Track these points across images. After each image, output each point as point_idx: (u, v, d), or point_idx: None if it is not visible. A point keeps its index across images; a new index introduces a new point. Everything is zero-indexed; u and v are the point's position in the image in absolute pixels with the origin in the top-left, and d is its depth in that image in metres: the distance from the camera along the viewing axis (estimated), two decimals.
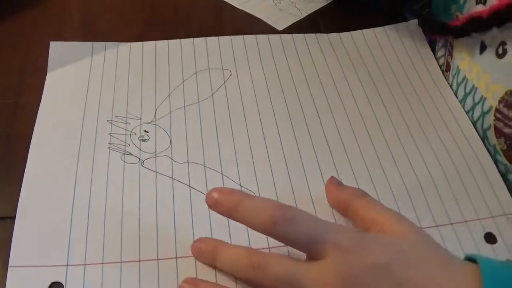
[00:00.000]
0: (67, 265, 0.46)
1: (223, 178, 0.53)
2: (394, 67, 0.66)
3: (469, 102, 0.59)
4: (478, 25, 0.55)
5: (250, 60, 0.65)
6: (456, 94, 0.62)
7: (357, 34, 0.70)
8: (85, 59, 0.64)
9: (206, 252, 0.46)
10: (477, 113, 0.58)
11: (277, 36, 0.69)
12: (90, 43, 0.66)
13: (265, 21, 0.71)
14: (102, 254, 0.47)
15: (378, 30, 0.70)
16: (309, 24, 0.71)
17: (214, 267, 0.46)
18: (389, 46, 0.68)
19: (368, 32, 0.70)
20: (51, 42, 0.65)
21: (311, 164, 0.55)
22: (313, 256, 0.42)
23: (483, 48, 0.56)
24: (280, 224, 0.42)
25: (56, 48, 0.65)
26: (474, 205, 0.52)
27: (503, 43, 0.53)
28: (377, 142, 0.57)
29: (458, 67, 0.61)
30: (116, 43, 0.66)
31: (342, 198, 0.49)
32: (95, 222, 0.49)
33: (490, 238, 0.50)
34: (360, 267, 0.41)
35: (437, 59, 0.66)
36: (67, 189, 0.52)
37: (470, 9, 0.56)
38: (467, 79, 0.59)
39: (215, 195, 0.45)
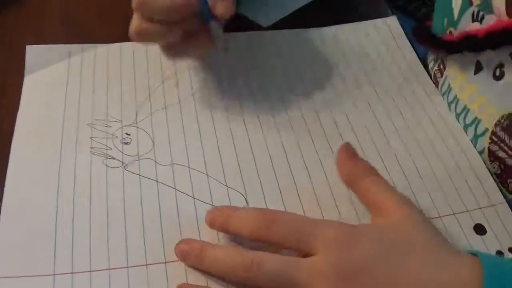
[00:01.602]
0: (54, 275, 0.45)
1: (208, 179, 0.53)
2: (375, 61, 0.65)
3: (460, 123, 0.58)
4: (473, 45, 0.53)
5: (232, 57, 0.64)
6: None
7: (337, 28, 0.69)
8: (62, 62, 0.63)
9: (192, 254, 0.45)
10: (469, 135, 0.56)
11: (259, 33, 0.68)
12: (67, 45, 0.64)
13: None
14: (90, 262, 0.46)
15: (357, 25, 0.70)
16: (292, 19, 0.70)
17: (200, 269, 0.45)
18: (368, 41, 0.68)
19: (348, 27, 0.69)
20: (27, 46, 0.64)
21: (297, 162, 0.54)
22: (304, 253, 0.43)
23: (478, 68, 0.54)
24: (266, 228, 0.44)
25: (33, 52, 0.63)
26: (462, 198, 0.52)
27: (500, 65, 0.51)
28: (361, 137, 0.57)
29: (449, 85, 0.60)
30: (94, 44, 0.64)
31: (353, 172, 0.49)
32: (80, 229, 0.48)
33: (479, 229, 0.50)
34: (352, 257, 0.41)
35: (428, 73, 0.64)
36: (50, 196, 0.50)
37: (465, 26, 0.55)
38: (458, 99, 0.57)
39: (210, 215, 0.47)
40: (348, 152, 0.51)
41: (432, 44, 0.61)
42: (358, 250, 0.42)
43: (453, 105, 0.58)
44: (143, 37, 0.53)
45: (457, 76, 0.58)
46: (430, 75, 0.64)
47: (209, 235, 0.48)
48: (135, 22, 0.52)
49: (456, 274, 0.41)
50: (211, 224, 0.47)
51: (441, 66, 0.61)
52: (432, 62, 0.64)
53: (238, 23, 0.66)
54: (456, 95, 0.58)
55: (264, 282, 0.42)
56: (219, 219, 0.46)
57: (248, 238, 0.45)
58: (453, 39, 0.56)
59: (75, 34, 0.67)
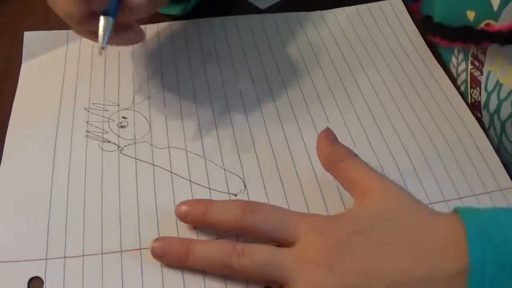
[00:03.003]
0: (46, 259, 0.45)
1: (206, 162, 0.51)
2: (380, 44, 0.64)
3: None
4: None
5: (230, 41, 0.64)
6: (499, 111, 0.55)
7: (339, 11, 0.68)
8: (60, 48, 0.62)
9: (175, 252, 0.44)
10: None
11: (257, 16, 0.67)
12: (65, 31, 0.64)
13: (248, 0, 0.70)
14: (82, 246, 0.45)
15: (361, 7, 0.68)
16: (292, 2, 0.69)
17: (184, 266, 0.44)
18: (373, 24, 0.66)
19: (351, 9, 0.68)
20: (25, 32, 0.63)
21: (298, 146, 0.53)
22: (287, 244, 0.43)
23: None
24: (251, 212, 0.44)
25: (31, 38, 0.63)
26: (469, 182, 0.51)
27: None
28: (366, 121, 0.55)
29: (498, 81, 0.55)
30: None
31: (332, 155, 0.49)
32: (74, 213, 0.47)
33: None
34: (338, 238, 0.42)
35: (455, 75, 0.61)
36: (44, 180, 0.50)
37: (511, 15, 0.51)
38: None
39: (183, 207, 0.46)
40: (328, 137, 0.50)
41: (462, 37, 0.57)
42: (340, 228, 0.42)
43: (508, 102, 0.54)
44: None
45: (508, 71, 0.54)
46: (452, 74, 0.61)
47: None
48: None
49: (441, 229, 0.41)
50: (185, 217, 0.46)
51: (476, 63, 0.57)
52: (463, 63, 0.60)
53: (235, 6, 0.66)
54: (510, 90, 0.54)
55: (255, 270, 0.42)
56: (196, 211, 0.46)
57: (231, 228, 0.45)
58: (504, 29, 0.52)
59: None
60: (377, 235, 0.41)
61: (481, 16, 0.54)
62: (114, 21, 0.50)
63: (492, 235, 0.38)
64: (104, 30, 0.49)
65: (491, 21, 0.53)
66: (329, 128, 0.51)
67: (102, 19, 0.49)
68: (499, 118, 0.55)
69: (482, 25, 0.54)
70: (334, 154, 0.49)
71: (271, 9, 0.68)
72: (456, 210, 0.42)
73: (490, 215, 0.40)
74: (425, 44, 0.64)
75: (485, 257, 0.37)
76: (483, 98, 0.56)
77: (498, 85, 0.54)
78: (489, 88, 0.56)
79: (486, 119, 0.56)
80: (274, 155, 0.52)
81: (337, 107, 0.57)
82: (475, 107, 0.58)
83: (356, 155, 0.49)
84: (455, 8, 0.58)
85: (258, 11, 0.68)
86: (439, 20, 0.60)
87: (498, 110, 0.55)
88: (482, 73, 0.56)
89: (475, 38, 0.55)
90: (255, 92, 0.58)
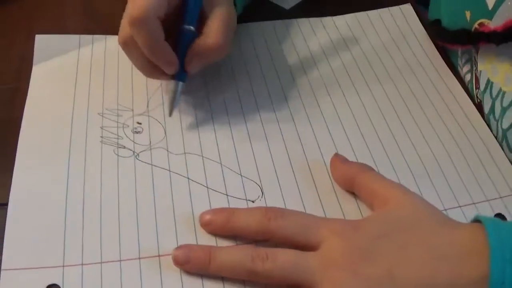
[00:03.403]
0: (63, 266, 0.45)
1: (222, 168, 0.51)
2: (391, 49, 0.64)
3: (509, 116, 0.53)
4: None
5: (243, 46, 0.64)
6: (493, 111, 0.55)
7: (350, 17, 0.68)
8: (72, 51, 0.62)
9: (198, 259, 0.44)
10: None
11: (271, 22, 0.67)
12: (77, 36, 0.64)
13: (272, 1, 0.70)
14: (100, 253, 0.45)
15: (372, 13, 0.69)
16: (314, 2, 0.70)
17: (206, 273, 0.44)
18: (384, 29, 0.67)
19: (361, 15, 0.68)
20: (36, 35, 0.63)
21: (314, 152, 0.53)
22: (310, 248, 0.43)
23: None
24: (275, 218, 0.44)
25: (42, 42, 0.63)
26: (482, 187, 0.51)
27: None
28: (379, 127, 0.56)
29: (489, 80, 0.56)
30: (104, 36, 0.63)
31: (348, 172, 0.50)
32: (91, 220, 0.47)
33: (500, 219, 0.48)
34: (361, 242, 0.42)
35: (462, 77, 0.61)
36: (60, 187, 0.50)
37: (505, 14, 0.52)
38: (504, 92, 0.54)
39: (208, 216, 0.47)
40: (339, 158, 0.51)
41: (464, 41, 0.58)
42: (363, 232, 0.43)
43: (498, 101, 0.55)
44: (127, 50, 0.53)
45: (498, 69, 0.55)
46: (464, 79, 0.61)
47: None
48: (124, 31, 0.52)
49: (462, 237, 0.42)
50: (210, 225, 0.47)
51: (474, 64, 0.58)
52: (468, 64, 0.60)
53: (260, 6, 0.66)
54: (500, 89, 0.54)
55: (279, 274, 0.42)
56: (220, 219, 0.46)
57: (254, 233, 0.45)
58: (499, 29, 0.52)
59: (95, 21, 0.66)
60: (399, 239, 0.42)
61: (476, 15, 0.55)
62: (184, 85, 0.53)
63: None
64: (172, 97, 0.53)
65: (484, 20, 0.54)
66: (338, 153, 0.52)
67: (172, 84, 0.53)
68: (495, 119, 0.55)
69: (476, 24, 0.55)
70: (350, 171, 0.50)
71: (295, 9, 0.69)
72: (477, 219, 0.42)
73: None
74: (435, 49, 0.64)
75: (505, 275, 0.38)
76: (481, 98, 0.57)
77: (489, 83, 0.55)
78: (482, 87, 0.57)
79: (486, 119, 0.57)
80: (290, 161, 0.52)
81: (352, 115, 0.57)
82: (479, 108, 0.58)
83: (372, 168, 0.50)
84: (457, 10, 0.58)
85: (282, 11, 0.69)
86: (445, 23, 0.60)
87: (492, 110, 0.56)
88: (479, 73, 0.57)
89: (472, 40, 0.56)
90: (269, 96, 0.58)
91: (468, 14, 0.56)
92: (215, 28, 0.52)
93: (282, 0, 0.70)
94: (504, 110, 0.53)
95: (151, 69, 0.53)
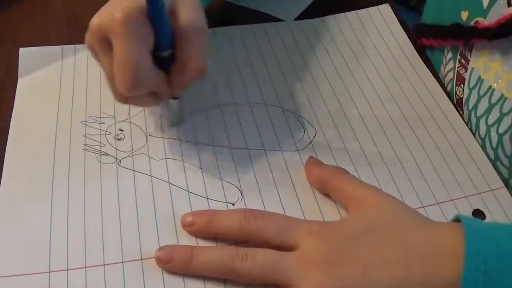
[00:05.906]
0: (49, 272, 0.45)
1: (203, 173, 0.52)
2: (369, 50, 0.65)
3: (495, 113, 0.54)
4: None
5: (227, 53, 0.64)
6: (476, 107, 0.56)
7: (328, 19, 0.69)
8: (55, 63, 0.63)
9: (180, 258, 0.45)
10: (505, 124, 0.53)
11: (256, 26, 0.68)
12: (60, 46, 0.64)
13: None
14: (85, 258, 0.46)
15: (350, 14, 0.70)
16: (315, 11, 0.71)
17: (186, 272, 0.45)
18: (362, 30, 0.68)
19: (339, 16, 0.69)
20: (20, 48, 0.64)
21: (292, 154, 0.54)
22: (288, 248, 0.44)
23: None
24: (254, 219, 0.45)
25: (26, 54, 0.63)
26: (460, 184, 0.52)
27: None
28: (357, 128, 0.57)
29: (480, 77, 0.56)
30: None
31: (322, 175, 0.50)
32: (75, 226, 0.48)
33: (478, 215, 0.49)
34: (337, 242, 0.43)
35: (443, 75, 0.63)
36: (44, 194, 0.50)
37: (500, 12, 0.52)
38: (494, 89, 0.54)
39: (189, 217, 0.48)
40: (314, 162, 0.52)
41: (452, 34, 0.59)
42: (339, 233, 0.44)
43: (486, 98, 0.55)
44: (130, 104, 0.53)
45: (490, 66, 0.55)
46: (442, 75, 0.63)
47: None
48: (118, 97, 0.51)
49: (438, 236, 0.42)
50: (191, 226, 0.47)
51: (463, 61, 0.59)
52: (451, 61, 0.61)
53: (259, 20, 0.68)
54: (490, 86, 0.55)
55: (258, 273, 0.43)
56: (202, 220, 0.47)
57: (235, 234, 0.46)
58: (492, 25, 0.53)
59: (80, 29, 0.66)
60: (374, 240, 0.42)
61: (473, 14, 0.56)
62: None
63: (488, 262, 0.39)
64: (174, 111, 0.55)
65: (480, 19, 0.55)
66: (312, 156, 0.53)
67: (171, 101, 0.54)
68: (475, 115, 0.56)
69: (471, 23, 0.56)
70: (324, 173, 0.50)
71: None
72: (457, 219, 0.43)
73: (492, 237, 0.40)
74: (414, 49, 0.65)
75: (477, 284, 0.38)
76: (465, 95, 0.58)
77: (480, 81, 0.56)
78: (471, 84, 0.57)
79: (465, 115, 0.58)
80: (269, 165, 0.53)
81: (330, 116, 0.58)
82: (458, 104, 0.59)
83: (346, 171, 0.50)
84: (450, 10, 0.59)
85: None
86: (431, 23, 0.61)
87: (476, 106, 0.56)
88: (466, 70, 0.58)
89: (465, 35, 0.57)
90: (248, 100, 0.59)
91: (465, 14, 0.57)
92: (193, 50, 0.49)
93: (282, 14, 0.70)
94: (491, 106, 0.54)
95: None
